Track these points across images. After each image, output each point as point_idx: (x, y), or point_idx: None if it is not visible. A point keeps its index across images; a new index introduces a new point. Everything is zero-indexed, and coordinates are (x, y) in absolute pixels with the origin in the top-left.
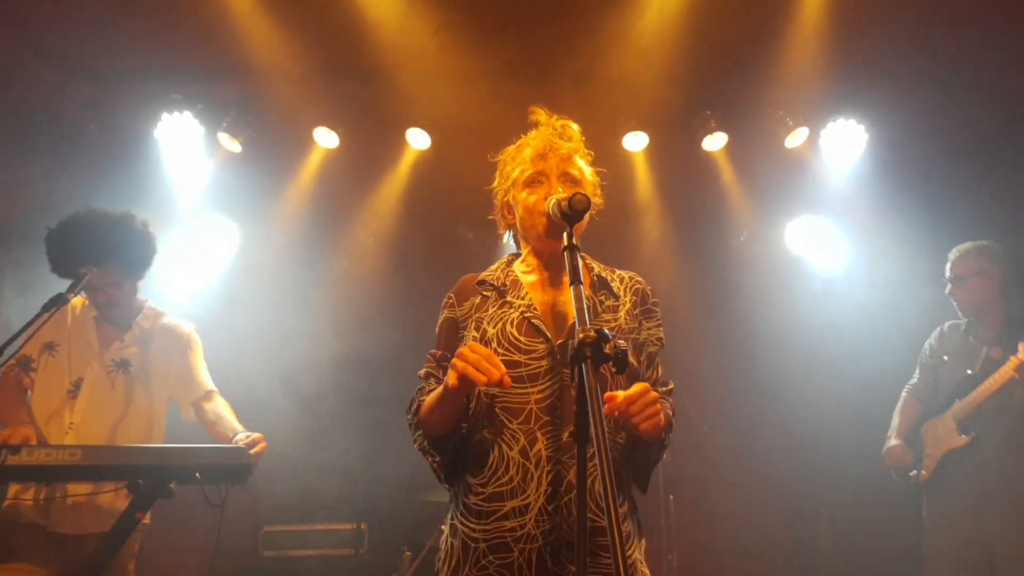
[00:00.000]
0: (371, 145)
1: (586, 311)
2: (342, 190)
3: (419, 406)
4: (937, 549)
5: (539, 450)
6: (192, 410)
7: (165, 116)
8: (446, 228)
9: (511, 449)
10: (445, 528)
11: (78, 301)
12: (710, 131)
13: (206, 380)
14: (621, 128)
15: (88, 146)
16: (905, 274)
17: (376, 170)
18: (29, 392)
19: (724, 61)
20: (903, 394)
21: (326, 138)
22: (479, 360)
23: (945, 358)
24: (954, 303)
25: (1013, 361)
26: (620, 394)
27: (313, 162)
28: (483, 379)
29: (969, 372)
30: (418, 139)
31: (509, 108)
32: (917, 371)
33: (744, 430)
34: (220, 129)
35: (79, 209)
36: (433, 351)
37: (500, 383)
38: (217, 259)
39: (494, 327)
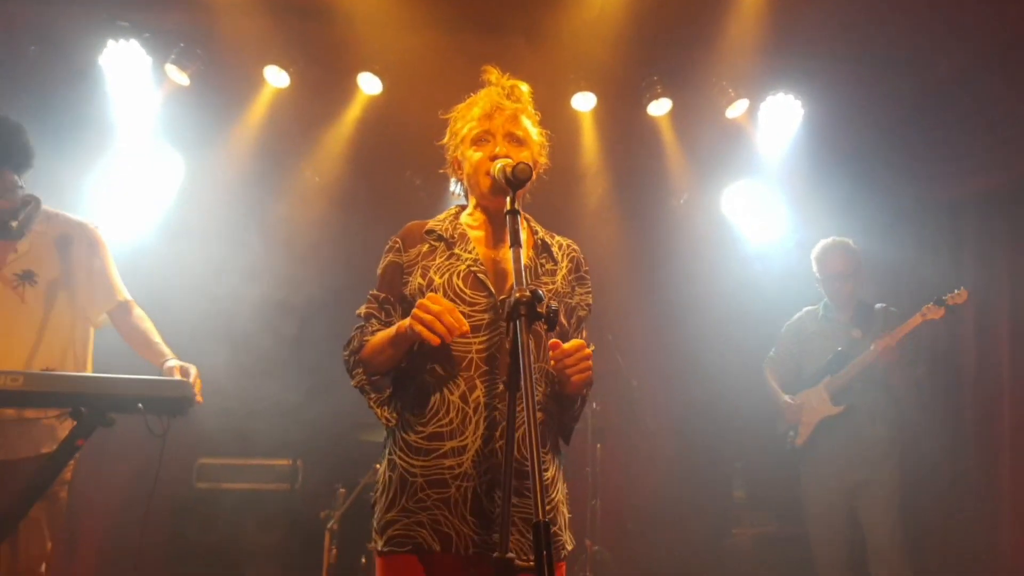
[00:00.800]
0: (322, 87)
1: (524, 272)
2: (290, 130)
3: (361, 346)
4: (813, 505)
5: (478, 396)
6: (106, 319)
7: (111, 43)
8: (392, 174)
9: (452, 394)
10: (382, 463)
11: None
12: (656, 96)
13: (122, 288)
14: (571, 88)
15: (29, 67)
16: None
17: (325, 112)
18: None
19: (672, 29)
20: (765, 368)
21: (277, 77)
22: (443, 313)
23: (809, 338)
24: (823, 290)
25: (879, 344)
26: (565, 345)
27: (263, 100)
28: (448, 336)
29: (840, 349)
30: (369, 84)
31: (461, 59)
32: (774, 349)
33: (670, 385)
34: (168, 60)
35: None
36: (375, 292)
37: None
38: (160, 190)
39: (441, 277)
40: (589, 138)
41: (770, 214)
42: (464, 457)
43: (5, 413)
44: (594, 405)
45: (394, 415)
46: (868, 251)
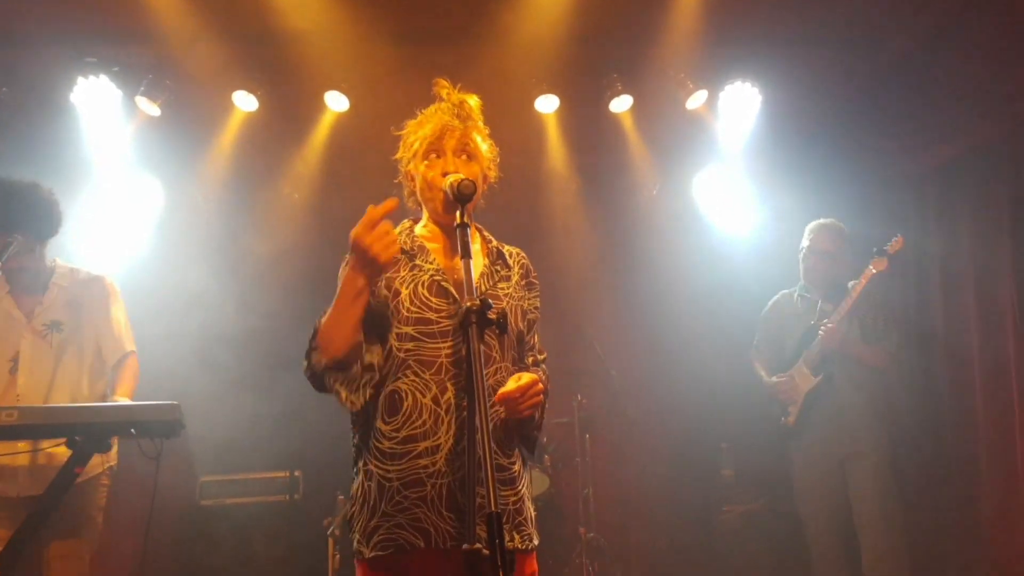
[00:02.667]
0: (291, 108)
1: (473, 281)
2: (264, 152)
3: (316, 330)
4: (802, 480)
5: (448, 398)
6: (111, 370)
7: (81, 80)
8: (366, 186)
9: (424, 397)
10: (356, 477)
11: None
12: (616, 93)
13: (126, 340)
14: (533, 91)
15: (1, 109)
16: (796, 223)
17: (296, 132)
18: None
19: (627, 26)
20: (751, 358)
21: (245, 101)
22: (379, 237)
23: (786, 320)
24: (801, 266)
25: (823, 329)
26: (512, 385)
27: (233, 124)
28: (388, 255)
29: (812, 323)
30: (336, 101)
31: (423, 71)
32: (757, 336)
33: (651, 373)
34: (138, 93)
35: None
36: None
37: (393, 260)
38: (140, 218)
39: (407, 288)
40: (554, 139)
41: (739, 200)
42: (438, 456)
43: (13, 449)
44: (579, 397)
45: (360, 398)
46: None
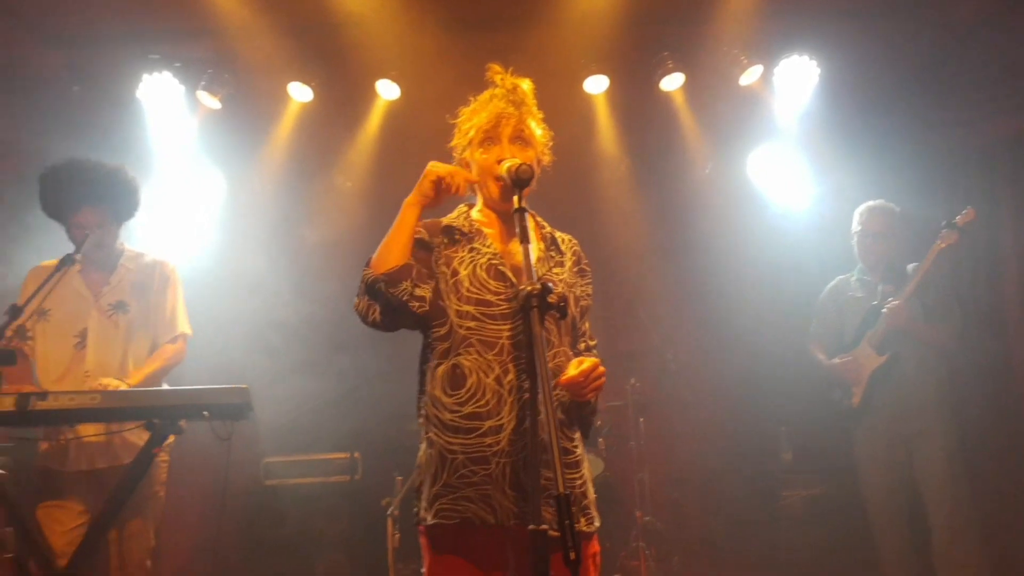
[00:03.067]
0: (343, 97)
1: (533, 266)
2: (319, 140)
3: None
4: (867, 465)
5: (511, 379)
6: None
7: (145, 76)
8: (418, 173)
9: (487, 377)
10: (422, 444)
11: (53, 263)
12: (668, 71)
13: (180, 322)
14: (582, 72)
15: (74, 107)
16: (856, 200)
17: (349, 121)
18: (30, 358)
19: (678, 3)
20: (809, 344)
21: (300, 92)
22: (452, 171)
23: (846, 304)
24: (857, 250)
25: (888, 308)
26: (573, 370)
27: (290, 115)
28: (455, 183)
29: (874, 303)
30: (388, 89)
31: (472, 55)
32: (814, 322)
33: (706, 355)
34: (199, 87)
35: (72, 156)
36: None
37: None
38: (204, 207)
39: (466, 269)
40: (604, 120)
41: (796, 177)
42: (501, 436)
43: (87, 430)
44: (633, 381)
45: (409, 305)
46: (902, 207)
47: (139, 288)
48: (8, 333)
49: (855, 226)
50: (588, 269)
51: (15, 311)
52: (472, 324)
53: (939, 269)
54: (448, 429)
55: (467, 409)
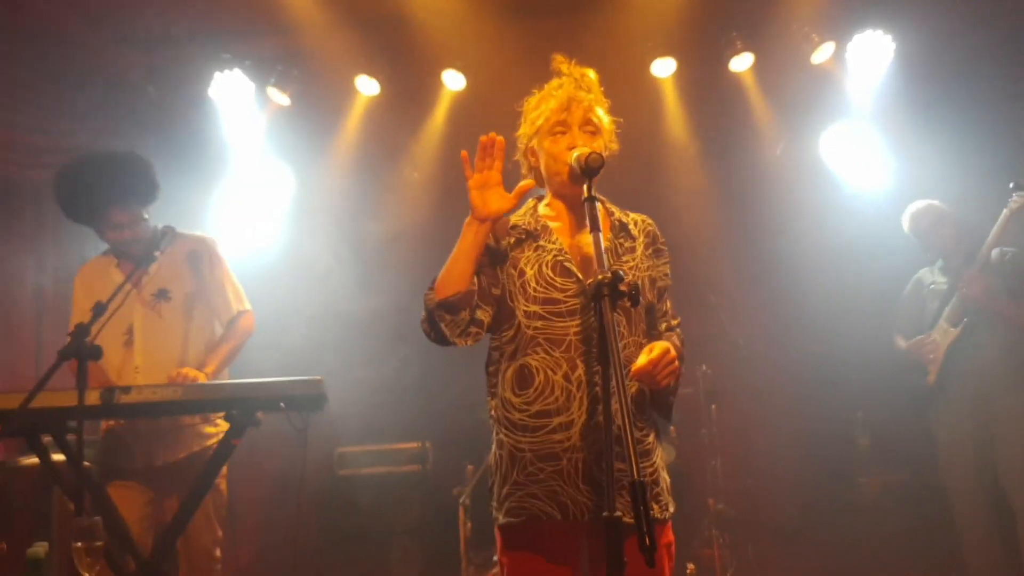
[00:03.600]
0: (410, 90)
1: (604, 254)
2: (386, 134)
3: (434, 279)
4: (947, 450)
5: (579, 375)
6: (219, 328)
7: (217, 75)
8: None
9: (555, 374)
10: (493, 445)
11: (94, 263)
12: (736, 52)
13: (236, 297)
14: (649, 55)
15: (149, 107)
16: (935, 180)
17: (416, 113)
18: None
19: None
20: (893, 336)
21: (367, 85)
22: (479, 184)
23: (928, 294)
24: (926, 247)
25: (962, 281)
26: (643, 359)
27: (357, 109)
28: (484, 208)
29: (950, 283)
30: (454, 80)
31: (537, 43)
32: (898, 314)
33: (778, 340)
34: (269, 84)
35: (79, 155)
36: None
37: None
38: (275, 203)
39: (532, 269)
40: (672, 102)
41: (871, 157)
42: (572, 431)
43: (161, 422)
44: (704, 368)
45: (463, 340)
46: (978, 186)
47: (181, 270)
48: (94, 330)
49: (910, 234)
50: (664, 248)
51: (100, 308)
52: (539, 324)
53: (1011, 235)
54: (517, 428)
55: (535, 407)
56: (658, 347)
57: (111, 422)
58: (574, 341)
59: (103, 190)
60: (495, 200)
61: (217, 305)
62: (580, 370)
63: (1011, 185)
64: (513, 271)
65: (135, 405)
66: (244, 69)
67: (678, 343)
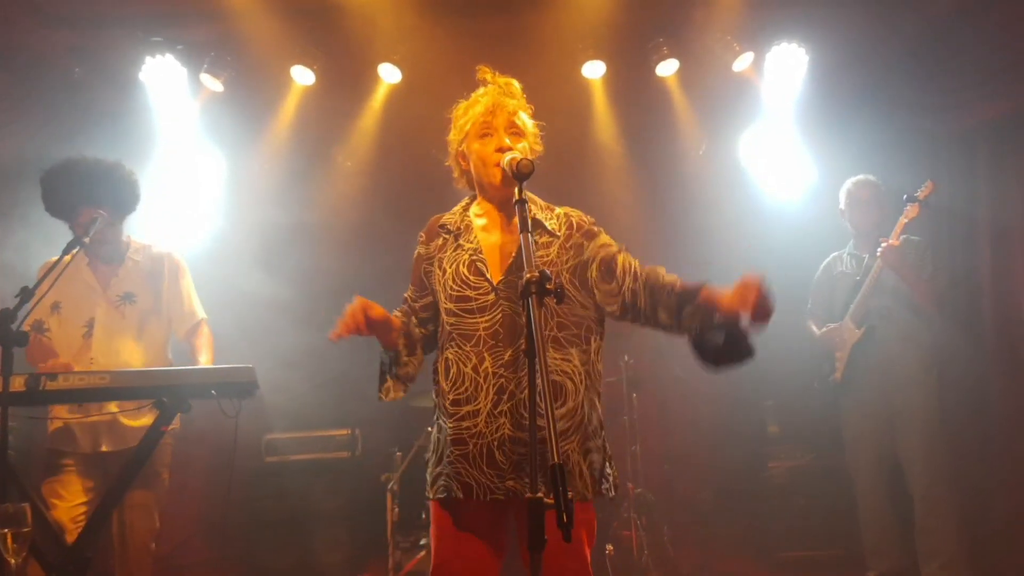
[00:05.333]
0: (346, 81)
1: (532, 254)
2: (321, 124)
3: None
4: (851, 436)
5: (487, 367)
6: (183, 337)
7: (148, 59)
8: (419, 157)
9: (466, 366)
10: (433, 428)
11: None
12: (663, 57)
13: (197, 309)
14: (580, 57)
15: (75, 90)
16: (842, 178)
17: (352, 105)
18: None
19: None
20: (807, 321)
21: (303, 75)
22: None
23: (837, 279)
24: (849, 224)
25: (880, 253)
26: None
27: (292, 99)
28: (344, 331)
29: (857, 279)
30: (390, 74)
31: (472, 40)
32: (811, 298)
33: None
34: (202, 70)
35: (73, 154)
36: (409, 286)
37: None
38: (207, 189)
39: (451, 268)
40: (601, 104)
41: (787, 161)
42: (478, 419)
43: (95, 414)
44: (627, 357)
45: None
46: (887, 189)
47: (149, 279)
48: (28, 320)
49: (842, 203)
50: (595, 228)
51: (26, 293)
52: (454, 320)
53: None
54: (446, 415)
55: (452, 396)
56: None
57: (63, 411)
58: (483, 336)
59: (81, 188)
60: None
61: (177, 314)
62: (487, 363)
63: (904, 196)
64: (439, 271)
65: (63, 391)
66: (176, 54)
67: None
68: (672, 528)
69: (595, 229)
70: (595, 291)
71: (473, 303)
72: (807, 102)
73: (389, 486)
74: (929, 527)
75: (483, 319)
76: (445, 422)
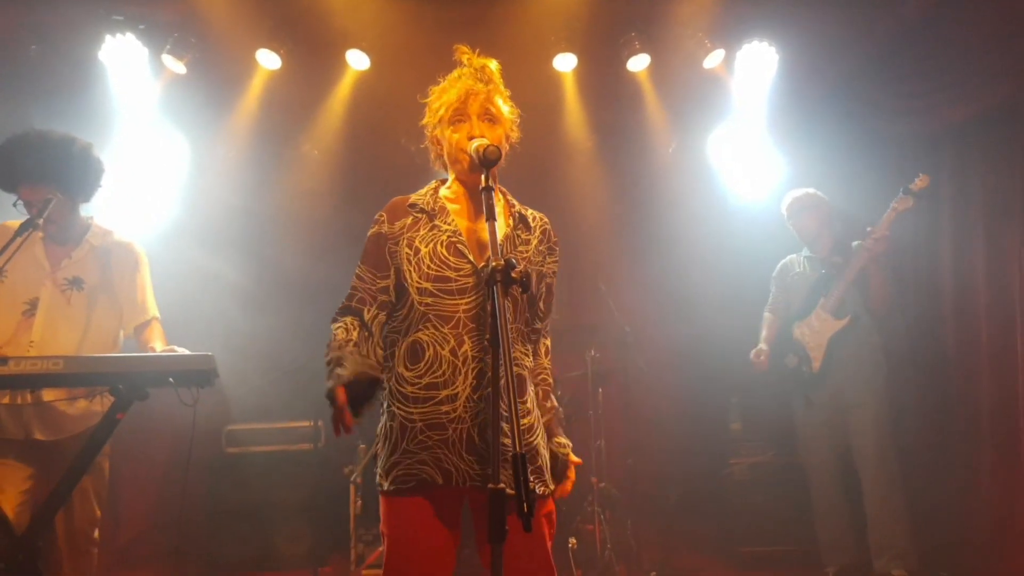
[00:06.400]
0: (313, 66)
1: (499, 243)
2: (287, 109)
3: (330, 342)
4: (805, 431)
5: (466, 351)
6: (132, 332)
7: (108, 38)
8: (387, 144)
9: (443, 349)
10: (383, 417)
11: (16, 224)
12: (634, 52)
13: (150, 305)
14: (552, 49)
15: (31, 67)
16: (812, 180)
17: (318, 91)
18: None
19: None
20: (765, 313)
21: (268, 59)
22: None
23: (793, 280)
24: (796, 233)
25: (869, 240)
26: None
27: (257, 83)
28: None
29: (823, 271)
30: (358, 60)
31: (442, 29)
32: (772, 291)
33: (662, 329)
34: (164, 51)
35: (25, 128)
36: (359, 265)
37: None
38: (168, 173)
39: (427, 246)
40: (572, 97)
41: (755, 158)
42: (457, 403)
43: (52, 396)
44: (592, 352)
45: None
46: (854, 188)
47: (101, 266)
48: None
49: (786, 218)
50: (556, 248)
51: None
52: (430, 300)
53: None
54: (409, 401)
55: (425, 380)
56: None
57: None
58: (463, 319)
59: (25, 164)
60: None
61: (129, 308)
62: (467, 346)
63: (900, 188)
64: (408, 249)
65: (14, 377)
66: (138, 33)
67: (548, 365)
68: (635, 523)
69: (556, 247)
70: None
71: (453, 284)
72: (776, 101)
73: (352, 478)
74: (881, 521)
75: (463, 301)
76: (407, 408)
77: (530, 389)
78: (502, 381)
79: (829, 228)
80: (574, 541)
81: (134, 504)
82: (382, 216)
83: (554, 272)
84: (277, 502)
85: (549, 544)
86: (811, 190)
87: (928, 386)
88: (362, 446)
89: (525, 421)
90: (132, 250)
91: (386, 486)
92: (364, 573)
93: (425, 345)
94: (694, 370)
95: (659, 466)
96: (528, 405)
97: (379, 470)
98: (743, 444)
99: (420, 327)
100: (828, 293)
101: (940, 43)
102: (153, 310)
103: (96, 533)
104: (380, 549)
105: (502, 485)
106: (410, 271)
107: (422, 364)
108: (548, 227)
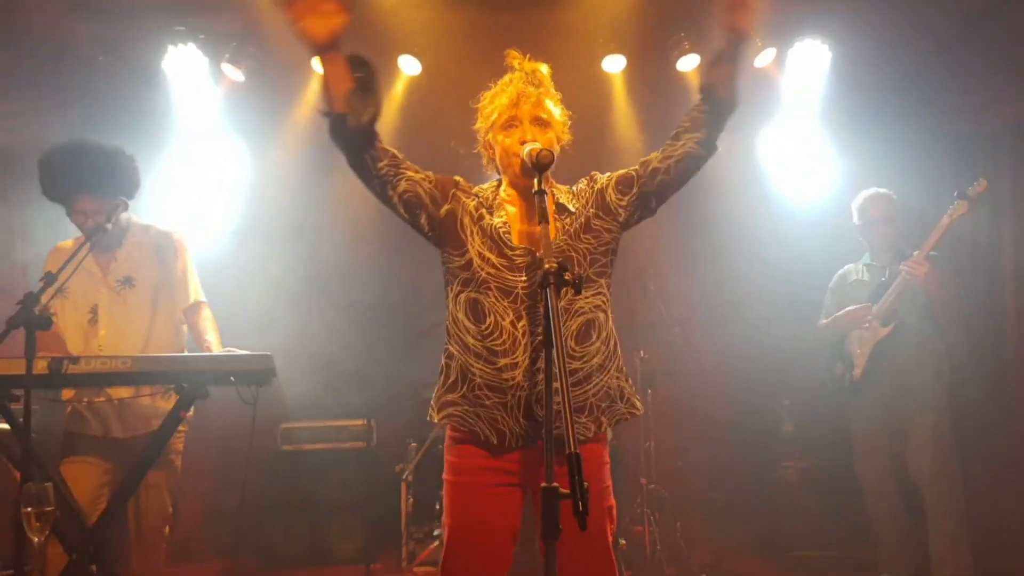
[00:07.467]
0: None
1: (551, 246)
2: None
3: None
4: (864, 437)
5: (524, 324)
6: (182, 315)
7: (171, 48)
8: (438, 147)
9: (503, 320)
10: (443, 354)
11: (70, 243)
12: (684, 52)
13: (193, 289)
14: (601, 51)
15: (99, 78)
16: (865, 182)
17: None
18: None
19: None
20: (821, 319)
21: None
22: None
23: (852, 288)
24: (865, 240)
25: (908, 263)
26: None
27: (314, 89)
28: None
29: (883, 279)
30: (409, 65)
31: (493, 34)
32: (826, 303)
33: (713, 330)
34: (224, 60)
35: (71, 137)
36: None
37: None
38: (227, 179)
39: (488, 222)
40: (621, 98)
41: (806, 159)
42: (516, 372)
43: (120, 394)
44: (642, 353)
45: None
46: (908, 191)
47: (148, 260)
48: (44, 300)
49: (855, 219)
50: (600, 176)
51: (50, 278)
52: (491, 270)
53: (945, 243)
54: (471, 353)
55: (487, 344)
56: None
57: (72, 396)
58: (521, 295)
59: (79, 175)
60: (324, 23)
61: (177, 295)
62: (524, 320)
63: (955, 193)
64: (471, 216)
65: (85, 375)
66: (199, 43)
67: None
68: (685, 524)
69: (600, 176)
70: (618, 211)
71: (512, 261)
72: (829, 100)
73: (404, 477)
74: (942, 534)
75: (522, 279)
76: (468, 359)
77: (604, 326)
78: (556, 381)
79: (895, 229)
80: (624, 542)
81: (191, 499)
82: (458, 178)
83: (617, 173)
84: (330, 499)
85: (610, 540)
86: (886, 191)
87: (990, 399)
88: (413, 444)
89: (594, 362)
90: (172, 238)
91: (436, 418)
92: (416, 570)
93: (488, 310)
94: (745, 371)
95: (709, 468)
96: (597, 344)
97: (432, 402)
98: (795, 446)
99: (482, 290)
100: (881, 301)
101: (999, 39)
102: (197, 294)
103: (167, 529)
104: (431, 546)
105: (556, 484)
106: (472, 234)
107: (484, 326)
108: (584, 184)
